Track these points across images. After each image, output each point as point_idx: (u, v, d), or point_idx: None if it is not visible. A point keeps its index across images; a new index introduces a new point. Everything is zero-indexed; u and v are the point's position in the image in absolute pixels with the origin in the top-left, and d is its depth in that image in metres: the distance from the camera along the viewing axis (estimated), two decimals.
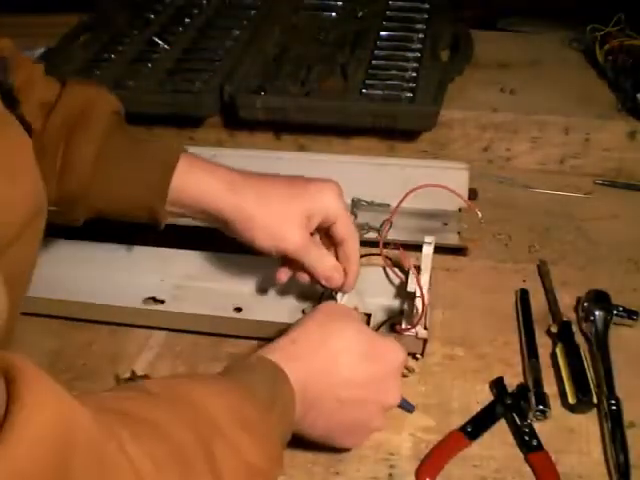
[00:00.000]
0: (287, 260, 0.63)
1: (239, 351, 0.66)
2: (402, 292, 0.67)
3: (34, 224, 0.43)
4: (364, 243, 0.75)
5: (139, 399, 0.39)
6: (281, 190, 0.60)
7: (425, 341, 0.62)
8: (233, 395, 0.44)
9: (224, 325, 0.66)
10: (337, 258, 0.62)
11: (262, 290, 0.68)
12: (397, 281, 0.68)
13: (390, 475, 0.56)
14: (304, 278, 0.63)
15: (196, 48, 0.96)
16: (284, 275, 0.64)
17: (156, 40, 0.97)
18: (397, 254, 0.69)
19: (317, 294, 0.66)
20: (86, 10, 1.09)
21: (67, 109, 0.57)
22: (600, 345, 0.63)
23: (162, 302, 0.68)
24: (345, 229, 0.61)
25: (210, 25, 1.01)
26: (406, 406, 0.60)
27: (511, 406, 0.59)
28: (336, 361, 0.50)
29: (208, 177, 0.59)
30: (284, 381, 0.47)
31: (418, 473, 0.55)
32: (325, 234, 0.63)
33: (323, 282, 0.61)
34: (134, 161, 0.59)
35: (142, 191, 0.58)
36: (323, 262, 0.61)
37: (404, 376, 0.63)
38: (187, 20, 1.02)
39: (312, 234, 0.62)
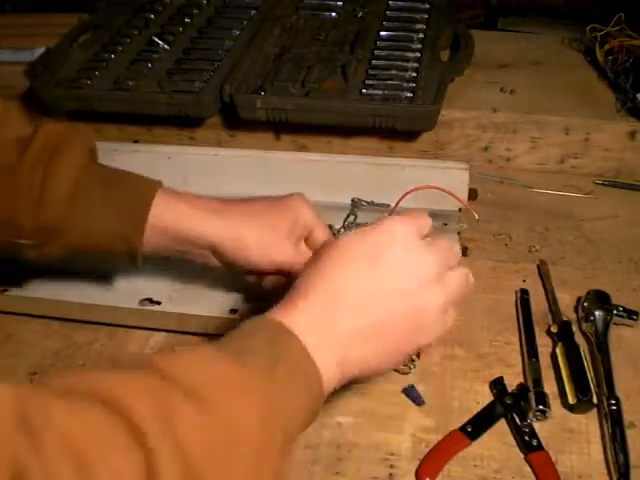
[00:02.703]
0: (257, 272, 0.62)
1: None
2: None
3: None
4: None
5: (91, 374, 0.37)
6: (262, 209, 0.61)
7: None
8: (214, 360, 0.40)
9: (219, 326, 0.66)
10: None
11: (257, 293, 0.68)
12: None
13: (390, 475, 0.56)
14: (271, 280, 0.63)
15: (196, 48, 0.96)
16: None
17: (156, 40, 0.97)
18: None
19: None
20: (86, 10, 1.09)
21: (43, 143, 0.57)
22: (600, 345, 0.63)
23: (158, 303, 0.68)
24: (323, 236, 0.62)
25: (210, 25, 1.01)
26: (416, 398, 0.61)
27: (511, 406, 0.59)
28: (338, 287, 0.46)
29: (187, 206, 0.59)
30: (287, 334, 0.43)
31: (418, 473, 0.55)
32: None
33: None
34: (111, 193, 0.58)
35: (119, 221, 0.57)
36: None
37: (404, 373, 0.63)
38: (187, 20, 1.02)
39: None
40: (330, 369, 0.44)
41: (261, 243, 0.59)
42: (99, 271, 0.70)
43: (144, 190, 0.59)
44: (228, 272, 0.63)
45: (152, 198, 0.58)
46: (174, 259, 0.72)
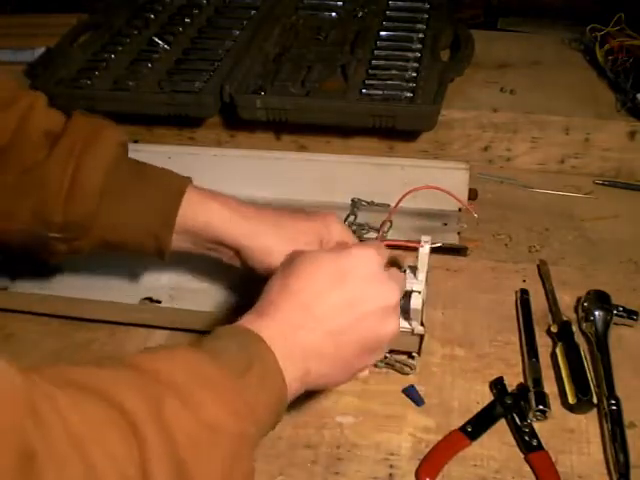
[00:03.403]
0: None
1: None
2: None
3: None
4: None
5: (84, 369, 0.38)
6: (292, 220, 0.60)
7: (422, 338, 0.62)
8: (190, 358, 0.42)
9: (219, 324, 0.66)
10: None
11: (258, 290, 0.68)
12: None
13: (390, 475, 0.56)
14: None
15: (196, 48, 0.96)
16: None
17: (156, 40, 0.97)
18: (394, 254, 0.69)
19: None
20: (86, 10, 1.09)
21: (74, 137, 0.56)
22: (600, 345, 0.63)
23: (159, 302, 0.68)
24: None
25: (210, 25, 1.01)
26: (416, 398, 0.61)
27: (511, 406, 0.59)
28: (304, 301, 0.48)
29: (219, 205, 0.58)
30: (258, 341, 0.45)
31: (418, 473, 0.56)
32: None
33: None
34: (141, 189, 0.58)
35: (149, 218, 0.57)
36: None
37: (404, 373, 0.63)
38: (187, 20, 1.02)
39: None
40: (292, 380, 0.46)
41: (285, 254, 0.57)
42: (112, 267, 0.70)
43: (174, 186, 0.58)
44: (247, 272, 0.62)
45: (182, 195, 0.58)
46: (173, 259, 0.72)
